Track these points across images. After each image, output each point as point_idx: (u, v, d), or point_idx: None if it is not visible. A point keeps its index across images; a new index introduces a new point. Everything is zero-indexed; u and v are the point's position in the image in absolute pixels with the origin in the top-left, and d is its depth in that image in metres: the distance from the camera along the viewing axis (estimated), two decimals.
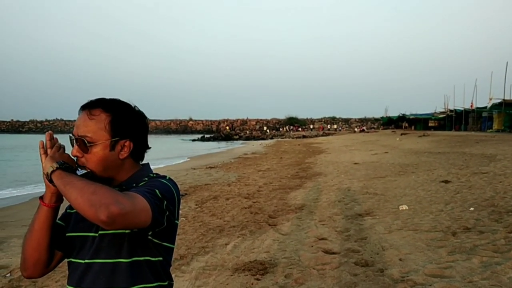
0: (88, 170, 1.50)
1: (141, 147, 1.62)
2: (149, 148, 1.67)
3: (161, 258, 1.55)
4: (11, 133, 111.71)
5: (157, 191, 1.45)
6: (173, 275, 4.97)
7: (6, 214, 11.27)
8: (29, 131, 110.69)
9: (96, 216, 1.25)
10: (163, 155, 33.75)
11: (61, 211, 1.63)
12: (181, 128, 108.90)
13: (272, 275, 4.99)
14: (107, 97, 1.60)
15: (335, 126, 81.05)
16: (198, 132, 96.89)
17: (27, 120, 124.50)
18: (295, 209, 8.67)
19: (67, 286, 1.55)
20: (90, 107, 1.53)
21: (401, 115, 65.16)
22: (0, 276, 5.77)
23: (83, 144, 1.49)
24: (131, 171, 1.59)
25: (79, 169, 1.50)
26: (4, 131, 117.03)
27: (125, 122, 1.54)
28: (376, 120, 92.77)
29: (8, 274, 5.73)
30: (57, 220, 1.57)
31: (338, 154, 23.77)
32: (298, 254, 5.66)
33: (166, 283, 1.59)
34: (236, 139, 68.37)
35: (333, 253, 5.64)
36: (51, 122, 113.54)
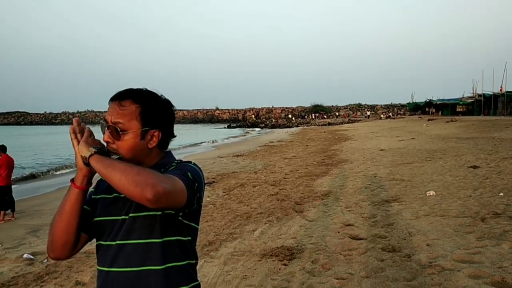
0: (119, 156, 1.58)
1: (168, 136, 1.69)
2: (175, 136, 1.73)
3: (189, 238, 1.64)
4: (44, 124, 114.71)
5: (189, 174, 1.53)
6: (202, 261, 5.12)
7: (42, 202, 11.66)
8: (62, 122, 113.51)
9: (142, 195, 1.33)
10: (189, 143, 34.13)
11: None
12: (208, 117, 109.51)
13: (299, 260, 5.06)
14: (136, 87, 1.67)
15: (368, 113, 79.57)
16: (225, 121, 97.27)
17: (60, 112, 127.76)
18: (321, 196, 8.70)
19: (98, 268, 1.63)
20: (120, 98, 1.60)
21: (428, 100, 63.82)
22: (37, 262, 6.02)
23: (115, 131, 1.56)
24: (156, 158, 1.66)
25: (111, 155, 1.57)
26: (38, 123, 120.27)
27: (155, 112, 1.61)
28: (402, 106, 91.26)
29: (45, 260, 5.96)
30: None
31: (364, 140, 23.58)
32: (325, 240, 5.71)
33: (194, 261, 1.68)
34: (262, 127, 68.42)
35: (360, 239, 5.67)
36: (82, 114, 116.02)
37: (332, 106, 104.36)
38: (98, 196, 1.68)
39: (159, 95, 1.67)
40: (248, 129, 66.13)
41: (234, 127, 71.75)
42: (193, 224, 1.65)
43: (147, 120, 1.59)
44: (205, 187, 8.14)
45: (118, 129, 1.56)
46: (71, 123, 1.61)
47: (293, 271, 4.75)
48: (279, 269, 4.84)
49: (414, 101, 72.44)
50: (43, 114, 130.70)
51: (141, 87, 1.66)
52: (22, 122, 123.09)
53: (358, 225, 6.32)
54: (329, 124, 58.74)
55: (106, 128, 1.58)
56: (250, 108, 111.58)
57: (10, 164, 10.04)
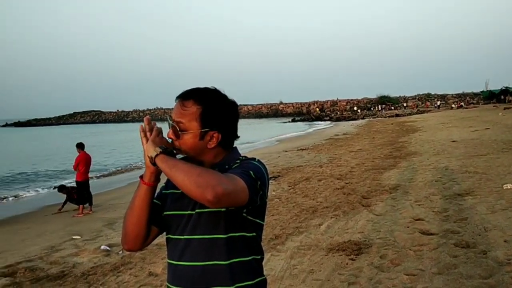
0: (184, 154, 1.64)
1: (230, 137, 1.70)
2: (238, 137, 1.74)
3: (254, 234, 1.65)
4: (117, 122, 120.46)
5: (251, 172, 1.55)
6: (268, 254, 5.17)
7: (115, 196, 12.28)
8: (133, 120, 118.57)
9: (203, 196, 1.38)
10: (255, 138, 34.45)
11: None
12: (272, 111, 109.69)
13: (367, 255, 4.98)
14: (202, 85, 1.70)
15: (438, 103, 75.85)
16: (289, 115, 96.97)
17: (131, 110, 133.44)
18: (389, 190, 8.47)
19: (168, 261, 1.69)
20: (183, 98, 1.64)
21: (504, 88, 60.06)
22: (113, 253, 6.36)
23: (176, 130, 1.62)
24: (220, 157, 1.68)
25: (175, 152, 1.63)
26: (111, 121, 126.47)
27: (215, 114, 1.63)
28: (475, 94, 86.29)
29: (120, 251, 6.29)
30: (153, 199, 1.70)
31: (434, 132, 22.64)
32: (394, 235, 5.57)
33: (259, 257, 1.69)
34: (327, 120, 67.66)
35: (431, 234, 5.47)
36: (152, 111, 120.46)
37: (400, 96, 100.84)
38: (167, 191, 1.74)
39: (224, 95, 1.68)
40: (313, 122, 65.66)
41: (298, 121, 71.40)
42: (258, 220, 1.66)
43: (207, 121, 1.61)
44: (271, 181, 8.20)
45: (179, 128, 1.61)
46: (142, 121, 1.68)
47: (361, 266, 4.68)
48: (346, 264, 4.79)
49: (488, 89, 68.49)
50: (115, 112, 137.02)
51: (208, 86, 1.69)
52: (97, 121, 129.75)
53: (428, 219, 6.10)
54: (397, 115, 56.90)
55: (170, 125, 1.64)
56: (314, 101, 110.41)
57: (87, 160, 10.66)
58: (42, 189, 16.08)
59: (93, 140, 40.27)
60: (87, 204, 10.58)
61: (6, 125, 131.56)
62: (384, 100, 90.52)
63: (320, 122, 63.93)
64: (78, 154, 10.63)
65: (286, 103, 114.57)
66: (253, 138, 34.50)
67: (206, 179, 1.39)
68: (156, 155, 1.53)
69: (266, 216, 5.75)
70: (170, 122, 1.64)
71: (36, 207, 12.63)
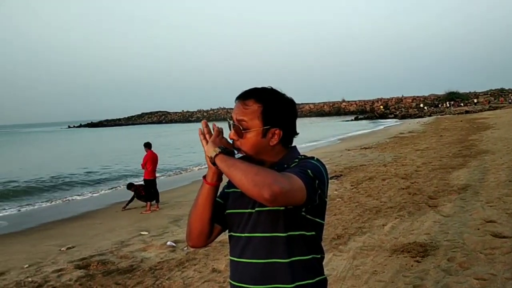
0: (243, 154, 1.67)
1: (290, 134, 1.72)
2: (297, 134, 1.76)
3: (314, 233, 1.66)
4: (182, 122, 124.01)
5: (309, 171, 1.55)
6: (330, 254, 5.13)
7: (181, 194, 12.66)
8: (197, 120, 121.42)
9: (260, 195, 1.40)
10: (316, 137, 34.18)
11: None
12: (334, 110, 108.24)
13: (433, 257, 4.81)
14: (264, 84, 1.73)
15: None
16: (352, 113, 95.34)
17: (195, 110, 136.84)
18: (458, 190, 8.12)
19: (230, 258, 1.74)
20: (244, 97, 1.68)
21: None
22: (179, 249, 6.57)
23: (238, 129, 1.65)
24: (280, 154, 1.71)
25: (236, 152, 1.67)
26: (177, 121, 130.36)
27: (276, 111, 1.66)
28: None
29: (185, 248, 6.48)
30: (216, 198, 1.75)
31: (508, 129, 21.36)
32: (462, 237, 5.34)
33: (319, 256, 1.70)
34: (391, 118, 65.81)
35: (504, 237, 5.19)
36: (215, 111, 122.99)
37: (469, 92, 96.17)
38: (229, 190, 1.79)
39: (282, 94, 1.71)
40: (377, 120, 64.13)
41: (361, 119, 69.99)
42: (318, 220, 1.66)
43: (268, 119, 1.64)
44: (333, 180, 8.14)
45: (241, 127, 1.65)
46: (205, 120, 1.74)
47: (427, 268, 4.53)
48: (411, 266, 4.65)
49: None
50: (181, 112, 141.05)
51: (266, 86, 1.72)
52: (164, 121, 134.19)
53: (501, 222, 5.79)
54: (466, 112, 54.20)
55: (231, 126, 1.68)
56: (378, 98, 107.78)
57: (154, 159, 11.07)
58: (115, 186, 16.86)
59: (160, 140, 41.69)
60: (154, 201, 10.98)
61: (80, 126, 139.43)
62: (452, 97, 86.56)
63: (384, 120, 62.31)
64: (145, 153, 11.06)
65: (348, 101, 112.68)
66: (314, 136, 34.26)
67: (263, 178, 1.41)
68: (216, 155, 1.58)
69: (328, 216, 5.70)
70: (231, 122, 1.68)
71: (108, 203, 13.29)
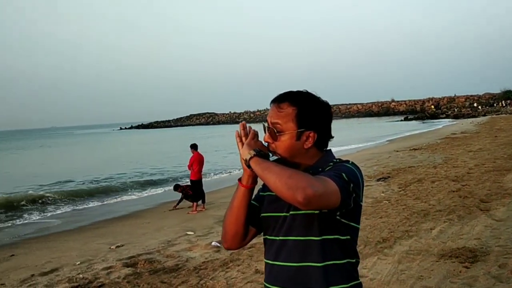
0: (278, 156, 1.67)
1: (325, 137, 1.71)
2: (332, 137, 1.74)
3: (348, 237, 1.64)
4: (229, 123, 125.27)
5: (343, 174, 1.54)
6: (375, 258, 5.04)
7: (226, 195, 12.79)
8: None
9: (294, 198, 1.41)
10: (364, 137, 33.62)
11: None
12: (382, 110, 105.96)
13: (483, 263, 4.63)
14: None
15: None
16: (401, 113, 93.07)
17: (242, 111, 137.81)
18: None
19: (265, 260, 1.75)
20: (279, 100, 1.69)
21: None
22: (223, 249, 6.64)
23: (273, 132, 1.66)
24: (315, 158, 1.70)
25: (271, 155, 1.68)
26: (224, 122, 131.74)
27: (310, 114, 1.66)
28: None
29: None
30: (251, 201, 1.77)
31: None
32: None
33: (354, 260, 1.68)
34: (443, 118, 63.69)
35: None
36: (262, 112, 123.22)
37: None
38: (265, 193, 1.80)
39: (317, 97, 1.71)
40: (427, 120, 62.26)
41: (411, 119, 68.13)
42: (352, 224, 1.65)
43: (302, 121, 1.64)
44: (381, 182, 7.99)
45: (275, 130, 1.65)
46: (252, 121, 1.76)
47: (476, 275, 4.36)
48: (460, 272, 4.49)
49: None
50: (228, 114, 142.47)
51: (301, 89, 1.72)
52: (211, 122, 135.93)
53: None
54: None
55: (266, 129, 1.69)
56: (429, 98, 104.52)
57: (200, 160, 11.25)
58: (164, 186, 17.24)
59: (207, 141, 42.31)
60: (201, 202, 11.16)
61: (131, 127, 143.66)
62: (509, 95, 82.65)
63: (435, 120, 60.42)
64: (192, 154, 11.27)
65: (398, 101, 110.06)
66: (362, 137, 33.73)
67: (296, 181, 1.41)
68: (250, 158, 1.60)
69: (373, 218, 5.66)
70: (266, 125, 1.70)
71: (156, 203, 13.65)
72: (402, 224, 6.63)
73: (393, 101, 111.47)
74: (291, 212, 1.64)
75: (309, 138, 1.66)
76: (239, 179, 1.72)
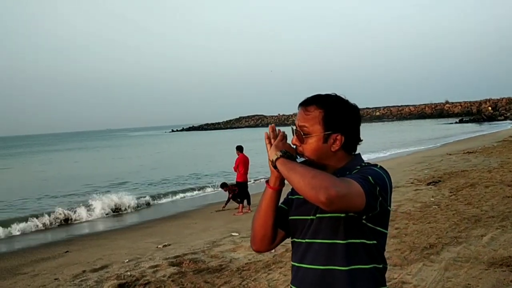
0: (306, 158, 1.68)
1: (353, 140, 1.70)
2: (361, 140, 1.73)
3: (375, 242, 1.61)
4: (278, 126, 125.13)
5: (370, 178, 1.52)
6: (420, 264, 4.91)
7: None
8: (293, 123, 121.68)
9: (316, 198, 1.41)
10: (415, 140, 32.72)
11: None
12: (436, 112, 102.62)
13: None
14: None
15: None
16: (456, 115, 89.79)
17: (291, 113, 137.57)
18: None
19: (292, 263, 1.76)
20: (306, 104, 1.70)
21: None
22: (268, 252, 6.68)
23: (300, 135, 1.68)
24: (343, 161, 1.69)
25: (298, 157, 1.68)
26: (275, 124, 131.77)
27: (337, 117, 1.65)
28: None
29: (273, 250, 6.56)
30: (280, 204, 1.78)
31: None
32: None
33: (381, 266, 1.65)
34: (501, 120, 60.92)
35: None
36: None
37: None
38: (293, 197, 1.80)
39: (345, 100, 1.70)
40: (484, 122, 59.73)
41: (466, 122, 65.63)
42: (379, 228, 1.62)
43: (329, 124, 1.64)
44: (431, 186, 7.75)
45: (302, 132, 1.67)
46: None
47: None
48: (510, 281, 4.30)
49: None
50: (277, 116, 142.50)
51: (329, 93, 1.72)
52: (260, 124, 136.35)
53: None
54: None
55: (294, 132, 1.71)
56: (486, 99, 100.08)
57: (246, 162, 11.35)
58: (211, 188, 17.51)
59: (255, 144, 42.55)
60: (246, 203, 11.26)
61: (183, 129, 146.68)
62: None
63: (493, 122, 57.88)
64: (237, 156, 11.39)
65: (452, 103, 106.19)
66: (413, 140, 32.84)
67: (320, 181, 1.42)
68: (277, 159, 1.61)
69: (421, 223, 5.54)
70: (294, 128, 1.71)
71: (204, 204, 13.91)
72: (451, 230, 6.41)
73: (447, 102, 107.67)
74: (317, 215, 1.64)
75: (336, 141, 1.65)
76: (267, 181, 1.74)
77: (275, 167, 1.63)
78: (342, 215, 1.56)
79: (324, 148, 1.66)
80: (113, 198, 13.92)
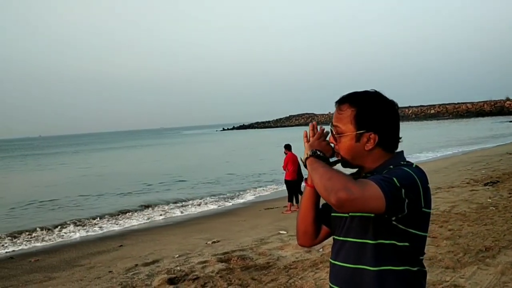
0: (340, 158, 1.67)
1: (389, 138, 1.64)
2: (400, 138, 1.67)
3: (407, 244, 1.54)
4: (328, 124, 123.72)
5: (394, 179, 1.46)
6: (475, 267, 4.73)
7: None
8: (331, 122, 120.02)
9: (328, 199, 1.42)
10: (471, 139, 31.49)
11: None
12: (495, 109, 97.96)
13: None
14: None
15: None
16: None
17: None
18: None
19: (329, 259, 1.75)
20: (340, 102, 1.68)
21: None
22: (314, 250, 6.63)
23: (334, 134, 1.67)
24: (381, 160, 1.64)
25: (334, 156, 1.67)
26: (324, 123, 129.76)
27: (370, 116, 1.61)
28: None
29: (321, 249, 6.51)
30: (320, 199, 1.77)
31: None
32: None
33: (415, 269, 1.58)
34: None
35: None
36: None
37: None
38: None
39: (382, 97, 1.65)
40: None
41: None
42: (412, 230, 1.54)
43: (362, 123, 1.61)
44: (487, 187, 7.43)
45: (335, 132, 1.66)
46: None
47: None
48: None
49: None
50: (327, 114, 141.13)
51: (368, 89, 1.68)
52: (310, 123, 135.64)
53: None
54: None
55: (331, 131, 1.70)
56: None
57: (294, 160, 11.30)
58: (261, 186, 17.57)
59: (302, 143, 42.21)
60: (295, 202, 11.23)
61: (233, 128, 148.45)
62: None
63: None
64: (285, 155, 11.38)
65: None
66: (468, 138, 31.62)
67: (333, 183, 1.41)
68: (306, 158, 1.63)
69: (477, 225, 5.34)
70: (330, 127, 1.71)
71: (253, 201, 14.01)
72: (509, 233, 6.12)
73: (508, 99, 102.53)
74: (350, 214, 1.62)
75: (370, 139, 1.61)
76: (305, 179, 1.76)
77: (305, 165, 1.64)
78: (372, 215, 1.53)
79: (357, 147, 1.63)
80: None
